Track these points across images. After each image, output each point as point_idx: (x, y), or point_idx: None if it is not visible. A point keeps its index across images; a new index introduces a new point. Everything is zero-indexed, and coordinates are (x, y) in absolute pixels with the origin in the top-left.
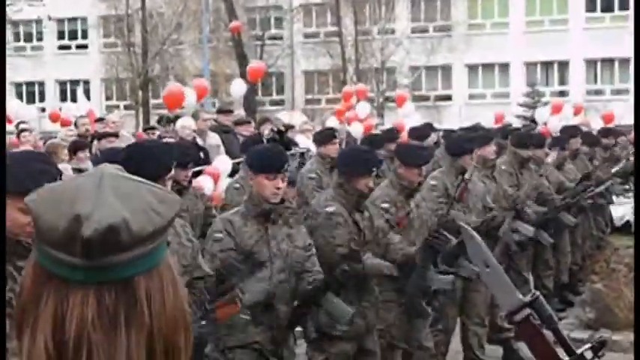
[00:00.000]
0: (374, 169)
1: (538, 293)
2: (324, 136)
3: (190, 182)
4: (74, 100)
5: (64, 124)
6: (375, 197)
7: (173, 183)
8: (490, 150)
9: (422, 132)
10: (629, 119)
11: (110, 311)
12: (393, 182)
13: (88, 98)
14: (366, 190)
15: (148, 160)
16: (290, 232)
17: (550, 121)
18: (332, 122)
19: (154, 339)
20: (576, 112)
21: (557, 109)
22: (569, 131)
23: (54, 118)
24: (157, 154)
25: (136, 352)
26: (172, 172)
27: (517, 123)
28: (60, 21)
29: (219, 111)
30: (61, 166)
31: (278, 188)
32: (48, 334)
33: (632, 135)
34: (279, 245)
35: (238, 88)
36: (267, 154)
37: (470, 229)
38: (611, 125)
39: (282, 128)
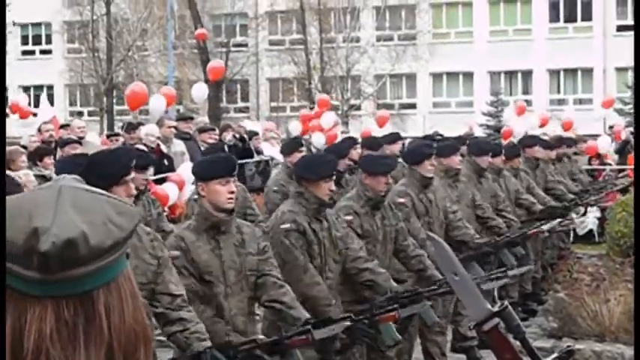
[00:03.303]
0: (333, 172)
1: (507, 303)
2: (291, 146)
3: (147, 188)
4: (37, 105)
5: (23, 115)
6: (338, 208)
7: None
8: (456, 160)
9: (373, 142)
10: (588, 129)
11: (69, 326)
12: (359, 193)
13: (52, 104)
14: (328, 196)
15: (108, 162)
16: (242, 239)
17: (515, 126)
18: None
19: (113, 353)
20: (543, 124)
21: (521, 111)
22: (527, 140)
23: (15, 110)
24: (117, 156)
25: None
26: (133, 173)
27: (480, 132)
28: (24, 26)
29: (180, 118)
30: (22, 172)
31: (232, 192)
32: (6, 349)
33: (585, 145)
34: (232, 257)
35: (200, 91)
36: (216, 160)
37: (439, 238)
38: (570, 134)
39: (245, 135)
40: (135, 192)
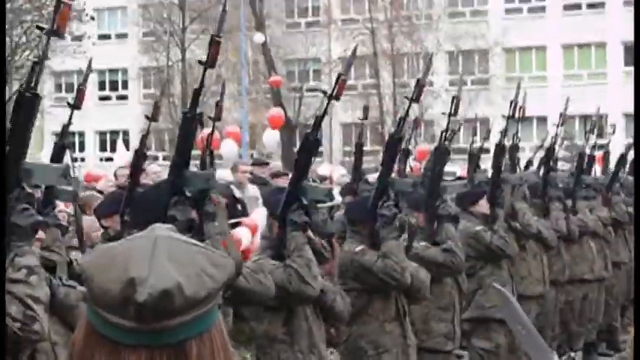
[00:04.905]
0: None
1: (572, 354)
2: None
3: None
4: (113, 150)
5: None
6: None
7: None
8: None
9: None
10: None
11: None
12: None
13: (127, 149)
14: None
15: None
16: None
17: None
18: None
19: None
20: None
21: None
22: None
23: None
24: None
25: None
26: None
27: None
28: (101, 72)
29: (255, 163)
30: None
31: None
32: None
33: None
34: None
35: (271, 138)
36: None
37: (506, 291)
38: None
39: (317, 180)
40: None
